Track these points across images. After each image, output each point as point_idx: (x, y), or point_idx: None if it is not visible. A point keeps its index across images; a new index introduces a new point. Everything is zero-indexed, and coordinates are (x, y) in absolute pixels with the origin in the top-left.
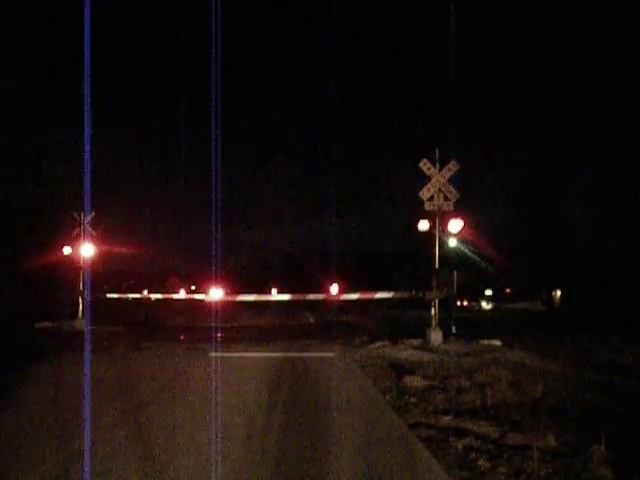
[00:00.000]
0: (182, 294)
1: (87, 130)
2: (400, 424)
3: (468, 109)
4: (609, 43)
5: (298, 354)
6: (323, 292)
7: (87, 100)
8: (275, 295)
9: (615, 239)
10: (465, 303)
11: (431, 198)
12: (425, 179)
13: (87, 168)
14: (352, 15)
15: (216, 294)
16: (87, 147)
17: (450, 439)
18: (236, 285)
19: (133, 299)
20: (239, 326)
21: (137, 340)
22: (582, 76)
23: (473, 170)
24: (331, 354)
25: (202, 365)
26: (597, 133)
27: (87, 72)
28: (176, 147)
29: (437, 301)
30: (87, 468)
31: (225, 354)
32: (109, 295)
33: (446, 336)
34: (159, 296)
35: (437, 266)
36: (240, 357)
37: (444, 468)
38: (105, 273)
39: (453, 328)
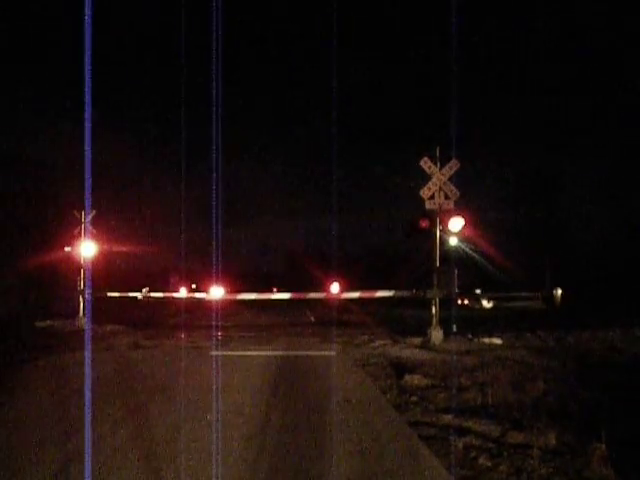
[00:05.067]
0: (183, 293)
1: (88, 126)
2: (401, 422)
3: (469, 107)
4: (610, 40)
5: (299, 353)
6: (324, 291)
7: (88, 98)
8: (276, 294)
9: (616, 236)
10: (466, 302)
11: (432, 197)
12: (426, 177)
13: (88, 166)
14: (353, 12)
15: (217, 293)
16: (88, 146)
17: (451, 438)
18: (237, 284)
19: (133, 298)
20: (240, 325)
21: (138, 339)
22: (583, 74)
23: (474, 169)
24: (332, 353)
25: (203, 364)
26: (598, 131)
27: (87, 71)
28: (177, 143)
29: (438, 300)
30: (88, 467)
31: (226, 353)
32: (110, 294)
33: (447, 335)
34: (160, 295)
35: (438, 265)
36: (241, 356)
37: (445, 467)
38: (107, 271)
39: (454, 327)
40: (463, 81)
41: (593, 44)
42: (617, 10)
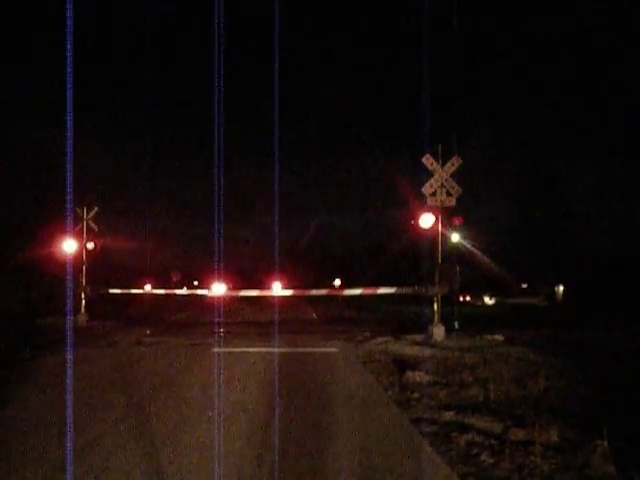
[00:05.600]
0: (184, 289)
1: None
2: (403, 419)
3: (469, 106)
4: (610, 40)
5: (301, 349)
6: (326, 287)
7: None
8: (278, 290)
9: (616, 235)
10: (468, 298)
11: (434, 193)
12: (428, 174)
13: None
14: (353, 11)
15: (219, 289)
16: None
17: (453, 434)
18: (239, 280)
19: (135, 294)
20: (242, 321)
21: (140, 336)
22: (583, 73)
23: (476, 166)
24: (334, 349)
25: (205, 361)
26: (600, 131)
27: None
28: (177, 142)
29: (439, 296)
30: (89, 464)
31: (228, 349)
32: (111, 290)
33: (449, 331)
34: (162, 291)
35: (440, 261)
36: (243, 352)
37: (447, 463)
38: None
39: (456, 323)
40: (464, 81)
41: (593, 44)
42: (617, 10)
